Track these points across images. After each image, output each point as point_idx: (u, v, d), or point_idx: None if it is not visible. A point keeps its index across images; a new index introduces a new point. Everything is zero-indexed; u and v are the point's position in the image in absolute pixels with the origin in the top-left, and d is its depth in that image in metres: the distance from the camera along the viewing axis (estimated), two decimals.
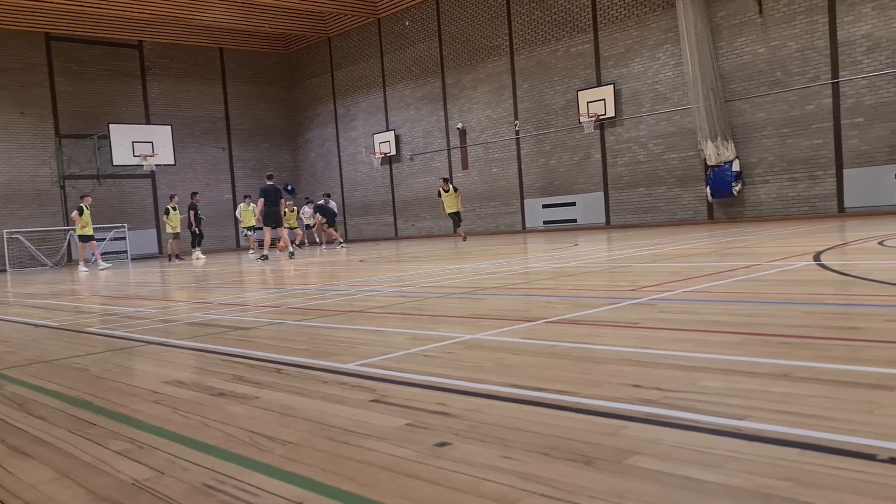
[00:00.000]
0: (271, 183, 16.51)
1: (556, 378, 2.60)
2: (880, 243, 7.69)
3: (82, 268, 17.53)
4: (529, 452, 1.82)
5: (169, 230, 20.31)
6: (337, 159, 28.23)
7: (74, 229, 18.60)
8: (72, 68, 24.45)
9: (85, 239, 17.97)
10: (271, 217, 16.06)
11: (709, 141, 17.06)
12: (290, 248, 16.50)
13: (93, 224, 18.19)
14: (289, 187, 21.09)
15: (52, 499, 1.77)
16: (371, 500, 1.60)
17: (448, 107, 23.92)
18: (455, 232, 18.65)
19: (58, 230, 23.71)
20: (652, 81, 18.70)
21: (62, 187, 24.12)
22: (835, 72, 15.68)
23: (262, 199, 16.01)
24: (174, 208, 20.05)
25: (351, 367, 3.08)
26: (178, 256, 20.31)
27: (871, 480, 1.48)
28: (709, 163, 17.31)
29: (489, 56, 22.43)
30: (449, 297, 5.56)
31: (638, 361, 2.78)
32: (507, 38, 21.83)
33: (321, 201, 21.18)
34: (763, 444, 1.76)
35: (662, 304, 4.30)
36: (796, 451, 1.69)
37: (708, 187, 17.46)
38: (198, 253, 19.81)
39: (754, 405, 2.08)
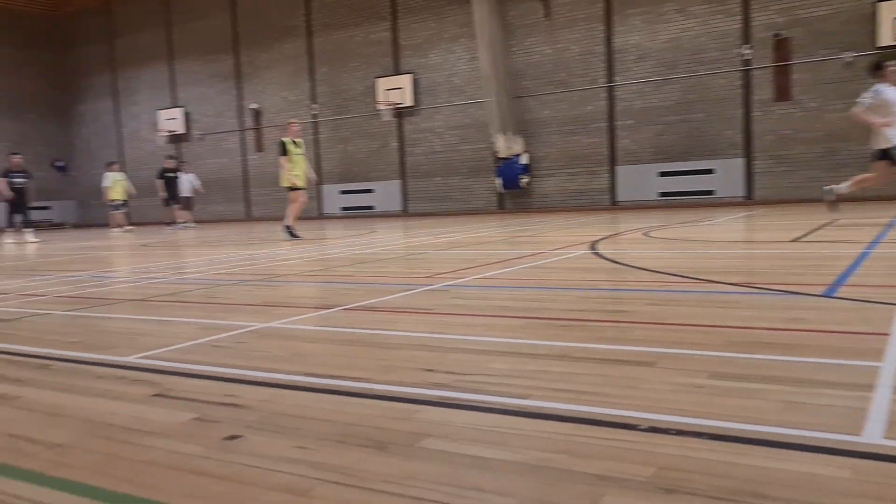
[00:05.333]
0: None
1: (351, 365, 2.60)
2: (645, 234, 8.56)
3: None
4: (323, 441, 1.80)
5: None
6: (116, 135, 26.08)
7: None
8: None
9: None
10: None
11: (500, 134, 17.93)
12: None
13: None
14: (58, 164, 19.03)
15: None
16: (152, 502, 1.49)
17: (242, 86, 22.98)
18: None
19: None
20: (448, 74, 19.28)
21: None
22: (610, 76, 17.15)
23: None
24: None
25: (131, 359, 2.86)
26: None
27: (633, 448, 1.64)
28: (499, 155, 18.21)
29: (286, 36, 21.85)
30: (241, 285, 5.36)
31: (431, 346, 2.86)
32: (305, 19, 21.40)
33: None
34: (543, 421, 1.88)
35: (455, 290, 4.46)
36: (572, 425, 1.83)
37: (499, 178, 18.38)
38: None
39: (536, 384, 2.22)
